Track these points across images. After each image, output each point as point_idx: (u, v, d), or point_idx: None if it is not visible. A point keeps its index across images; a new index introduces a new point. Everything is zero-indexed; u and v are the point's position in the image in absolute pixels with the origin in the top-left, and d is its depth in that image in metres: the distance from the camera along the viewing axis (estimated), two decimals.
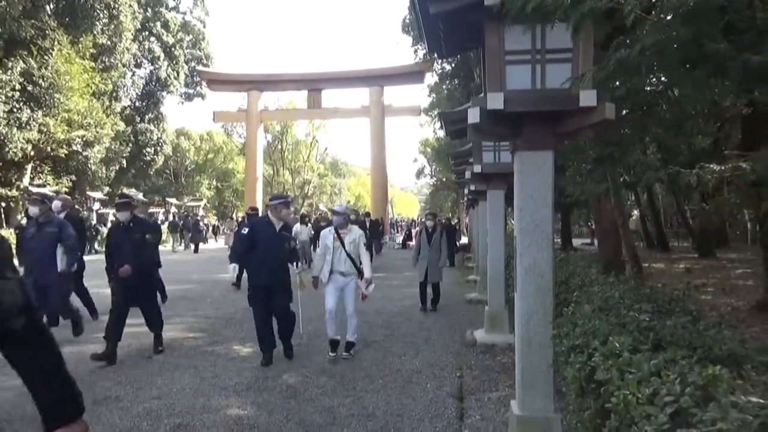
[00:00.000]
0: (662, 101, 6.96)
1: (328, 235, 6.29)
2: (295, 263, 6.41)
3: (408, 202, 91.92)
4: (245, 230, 6.42)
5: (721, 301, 9.39)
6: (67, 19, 25.23)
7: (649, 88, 6.30)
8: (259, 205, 31.06)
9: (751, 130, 8.68)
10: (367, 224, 18.25)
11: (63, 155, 24.22)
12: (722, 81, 2.88)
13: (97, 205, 27.03)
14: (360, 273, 6.28)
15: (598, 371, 2.12)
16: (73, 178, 26.53)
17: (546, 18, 2.89)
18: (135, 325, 7.87)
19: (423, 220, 11.11)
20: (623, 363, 1.97)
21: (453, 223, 23.55)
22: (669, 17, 2.92)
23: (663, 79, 6.39)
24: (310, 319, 7.89)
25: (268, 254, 5.89)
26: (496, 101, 3.32)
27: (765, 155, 3.25)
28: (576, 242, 26.17)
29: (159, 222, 25.36)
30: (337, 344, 6.22)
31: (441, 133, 25.80)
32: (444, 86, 23.03)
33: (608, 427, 1.87)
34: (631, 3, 2.23)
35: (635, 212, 27.13)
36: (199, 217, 32.76)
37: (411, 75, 30.75)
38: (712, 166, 3.25)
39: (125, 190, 35.14)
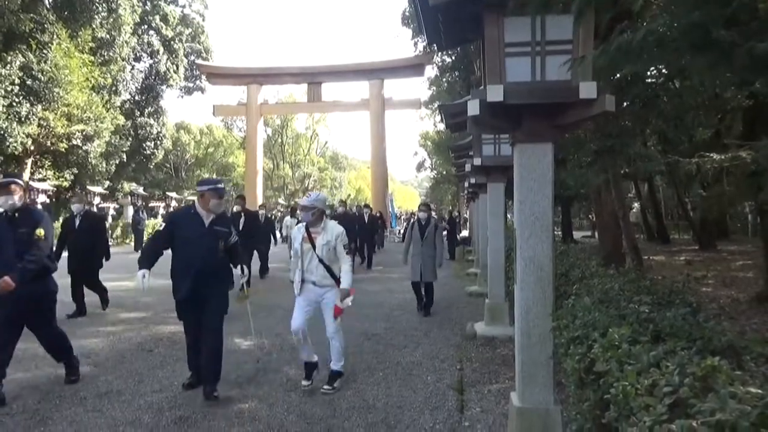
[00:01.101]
0: (663, 93, 6.95)
1: (297, 235, 4.99)
2: (240, 267, 4.98)
3: (408, 195, 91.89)
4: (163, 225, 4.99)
5: (722, 293, 9.41)
6: (65, 13, 25.10)
7: (649, 80, 6.30)
8: (259, 199, 31.02)
9: (752, 122, 8.67)
10: (366, 218, 16.71)
11: (63, 149, 24.18)
12: (727, 69, 2.86)
13: (97, 200, 26.98)
14: (339, 283, 4.89)
15: (597, 363, 2.13)
16: (75, 171, 26.49)
17: (548, 7, 2.88)
18: (134, 320, 7.91)
19: (416, 212, 9.64)
20: (622, 354, 1.98)
21: (453, 216, 23.46)
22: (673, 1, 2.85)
23: (664, 71, 6.38)
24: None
25: (194, 257, 4.52)
26: (495, 93, 3.31)
27: (767, 145, 3.23)
28: (577, 235, 26.18)
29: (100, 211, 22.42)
30: (313, 367, 4.99)
31: (441, 126, 25.78)
32: (444, 79, 22.97)
33: (607, 418, 1.88)
34: None
35: (636, 205, 27.11)
36: None
37: (411, 68, 30.69)
38: (712, 155, 3.23)
39: (126, 185, 35.17)
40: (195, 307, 4.66)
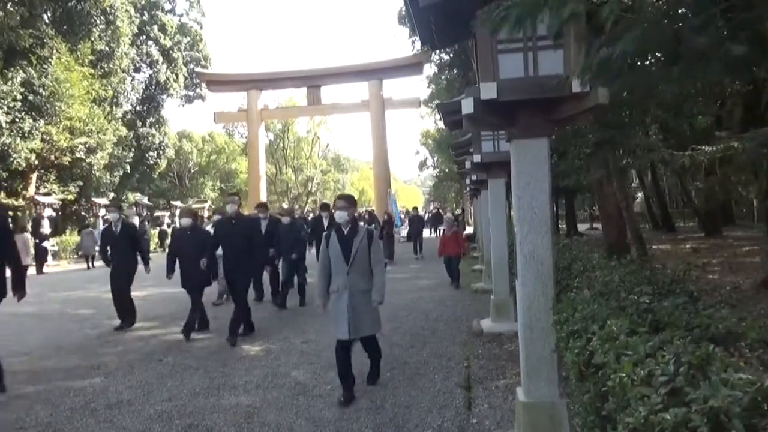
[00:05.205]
0: (661, 81, 6.92)
1: None
2: None
3: (412, 194, 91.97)
4: None
5: (727, 279, 9.38)
6: (64, 27, 25.31)
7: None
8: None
9: (753, 107, 8.64)
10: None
11: (67, 163, 24.37)
12: (698, 77, 2.81)
13: (103, 211, 27.13)
14: None
15: (596, 355, 2.14)
16: (80, 184, 26.69)
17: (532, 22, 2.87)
18: (144, 328, 7.95)
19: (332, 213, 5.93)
20: (620, 346, 1.98)
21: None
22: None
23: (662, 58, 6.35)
24: (315, 316, 7.92)
25: None
26: (489, 91, 3.33)
27: (753, 136, 3.23)
28: (582, 227, 26.14)
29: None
30: None
31: (441, 125, 25.79)
32: (443, 77, 23.00)
33: (607, 409, 1.89)
34: (610, 6, 2.16)
35: (639, 194, 27.05)
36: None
37: (409, 67, 30.66)
38: (704, 147, 3.23)
39: (130, 196, 35.34)
40: None
